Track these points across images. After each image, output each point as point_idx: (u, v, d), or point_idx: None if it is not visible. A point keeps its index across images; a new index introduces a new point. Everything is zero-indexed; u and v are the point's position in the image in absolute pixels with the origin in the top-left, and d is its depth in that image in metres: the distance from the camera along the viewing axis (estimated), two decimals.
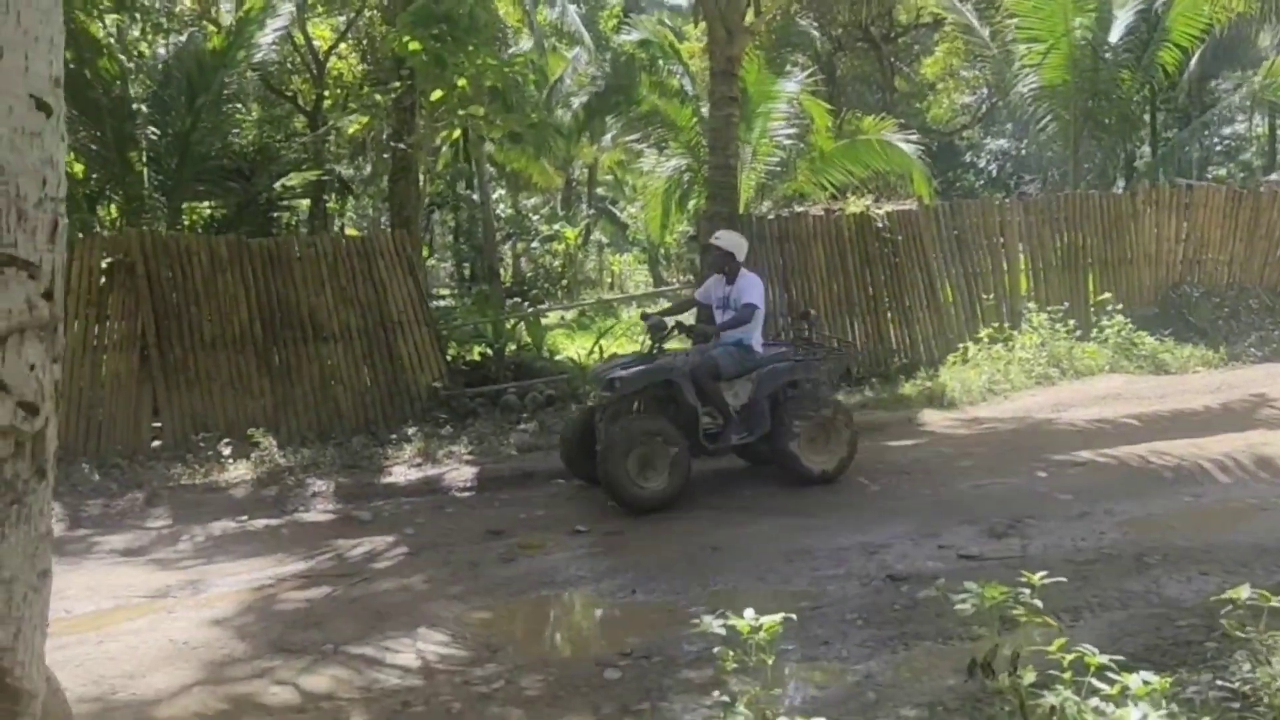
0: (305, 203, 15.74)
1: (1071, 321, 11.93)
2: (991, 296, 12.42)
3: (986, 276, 12.56)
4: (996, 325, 11.84)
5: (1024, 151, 24.73)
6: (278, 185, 12.72)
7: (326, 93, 15.50)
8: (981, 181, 27.10)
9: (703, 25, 18.59)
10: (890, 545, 6.17)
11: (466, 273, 24.50)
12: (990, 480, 7.65)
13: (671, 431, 7.07)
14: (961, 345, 11.66)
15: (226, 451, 8.86)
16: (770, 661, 3.37)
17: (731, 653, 3.43)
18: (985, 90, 25.38)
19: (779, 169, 14.79)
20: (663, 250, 25.85)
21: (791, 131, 14.72)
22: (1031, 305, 12.21)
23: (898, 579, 5.58)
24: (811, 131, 14.68)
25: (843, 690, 4.29)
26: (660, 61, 15.63)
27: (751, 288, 7.50)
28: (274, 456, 8.73)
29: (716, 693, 3.54)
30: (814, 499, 7.42)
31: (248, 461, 8.69)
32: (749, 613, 3.46)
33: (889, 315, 12.07)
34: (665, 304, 12.18)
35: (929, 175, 15.97)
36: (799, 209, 13.24)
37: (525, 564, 6.27)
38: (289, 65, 15.78)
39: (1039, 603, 3.57)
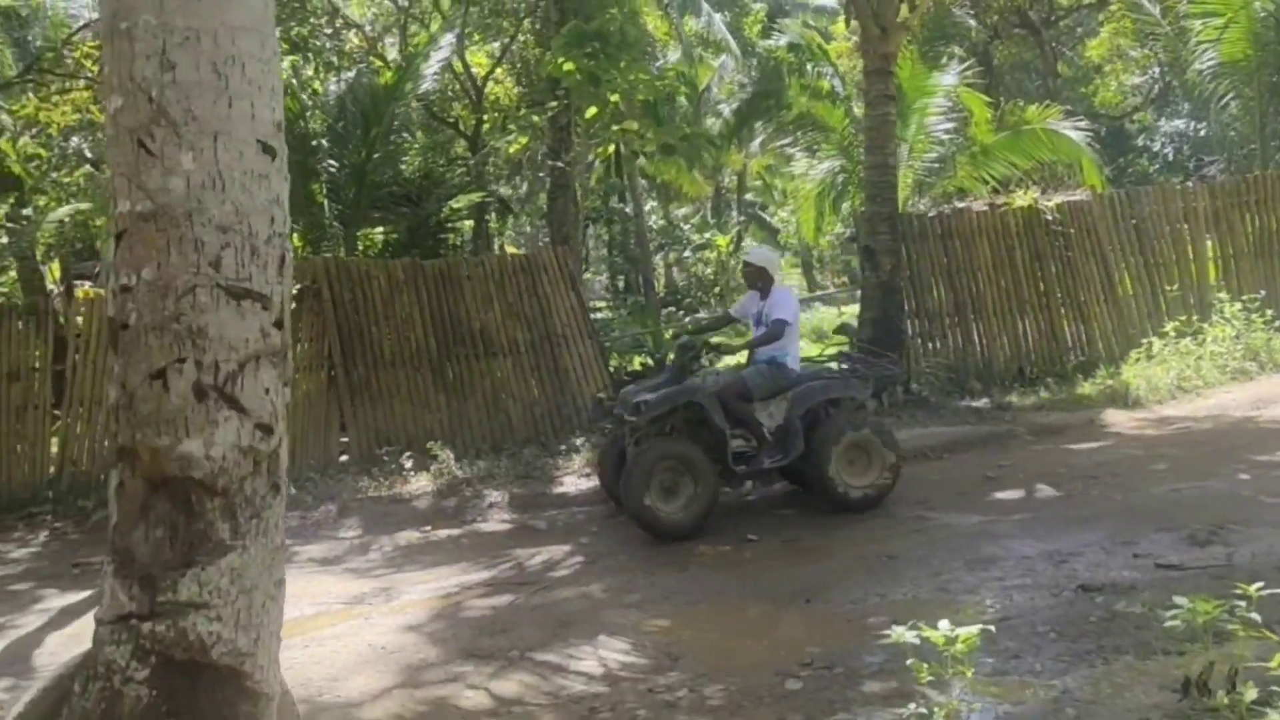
0: (468, 223, 16.35)
1: (1269, 311, 11.05)
2: (1176, 287, 11.64)
3: (1169, 267, 11.78)
4: (1183, 318, 11.09)
5: (1204, 132, 23.07)
6: (445, 208, 13.28)
7: (485, 116, 16.07)
8: (1157, 166, 25.43)
9: (853, 24, 18.29)
10: (1080, 554, 5.88)
11: (621, 285, 24.85)
12: (1187, 484, 7.17)
13: (696, 455, 6.80)
14: (1145, 341, 10.98)
15: (408, 464, 9.30)
16: (969, 674, 3.27)
17: (926, 665, 3.35)
18: (1157, 70, 23.86)
19: (937, 165, 14.35)
20: (815, 254, 25.51)
21: (949, 126, 14.26)
22: (1222, 295, 11.37)
23: (1091, 589, 5.30)
24: (971, 124, 14.17)
25: (1039, 706, 4.11)
26: (809, 64, 15.44)
27: (783, 303, 7.15)
28: (451, 468, 9.08)
29: (912, 705, 3.45)
30: (994, 506, 7.16)
31: (428, 473, 9.09)
32: (944, 624, 3.36)
33: (1062, 311, 11.51)
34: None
35: (1099, 163, 15.13)
36: (960, 205, 12.80)
37: (699, 572, 6.31)
38: (449, 93, 16.44)
39: (1257, 616, 3.33)
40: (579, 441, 9.80)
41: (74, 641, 5.67)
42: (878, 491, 7.07)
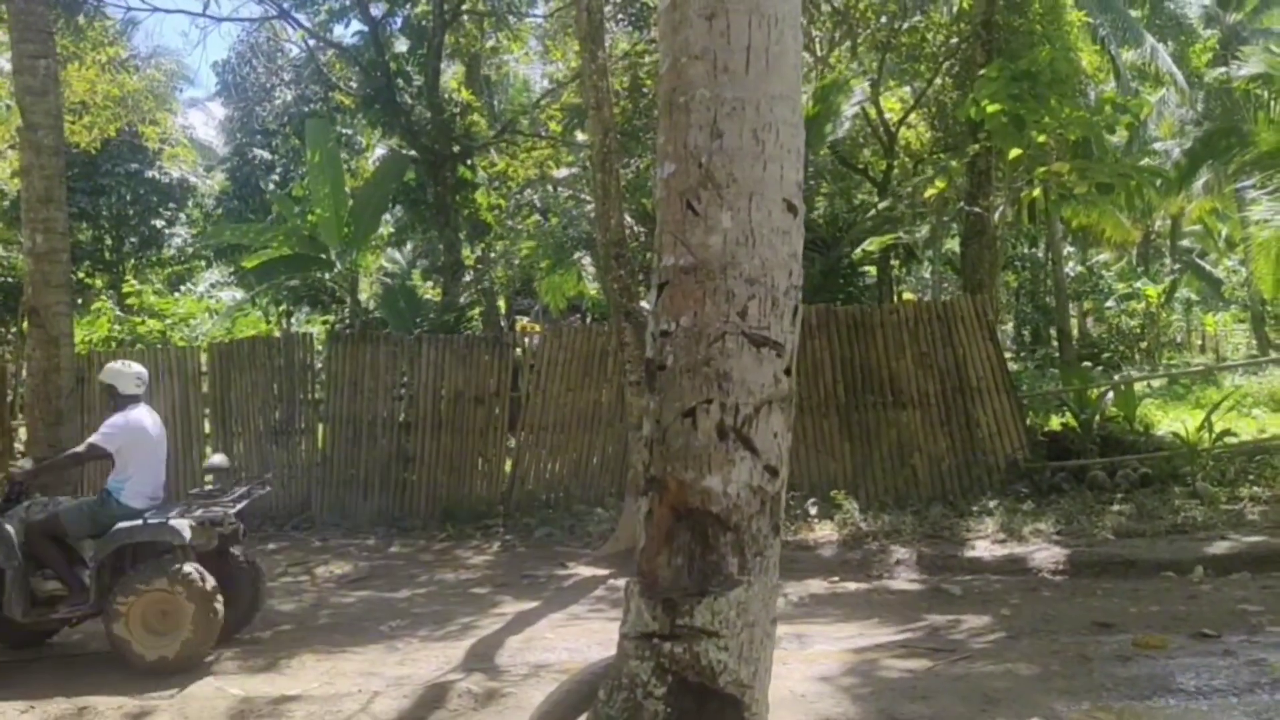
0: (872, 269, 16.30)
1: None
2: None
3: None
4: None
5: None
6: (857, 252, 13.32)
7: (896, 162, 15.96)
8: None
9: None
10: None
11: (1027, 336, 23.35)
12: None
13: None
14: None
15: (812, 511, 9.36)
16: None
17: None
18: None
19: None
20: (1268, 309, 22.19)
21: None
22: None
23: None
24: None
25: None
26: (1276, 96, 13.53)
27: (109, 426, 6.12)
28: (855, 519, 9.01)
29: None
30: None
31: (831, 522, 9.08)
32: None
33: None
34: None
35: None
36: None
37: (1144, 665, 5.64)
38: (860, 139, 16.57)
39: None
40: (992, 504, 9.29)
41: (528, 645, 6.34)
42: (178, 653, 5.80)
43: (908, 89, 17.48)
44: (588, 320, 18.95)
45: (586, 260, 16.12)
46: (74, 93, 15.08)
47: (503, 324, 17.76)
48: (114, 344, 14.88)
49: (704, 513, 2.39)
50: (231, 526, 6.37)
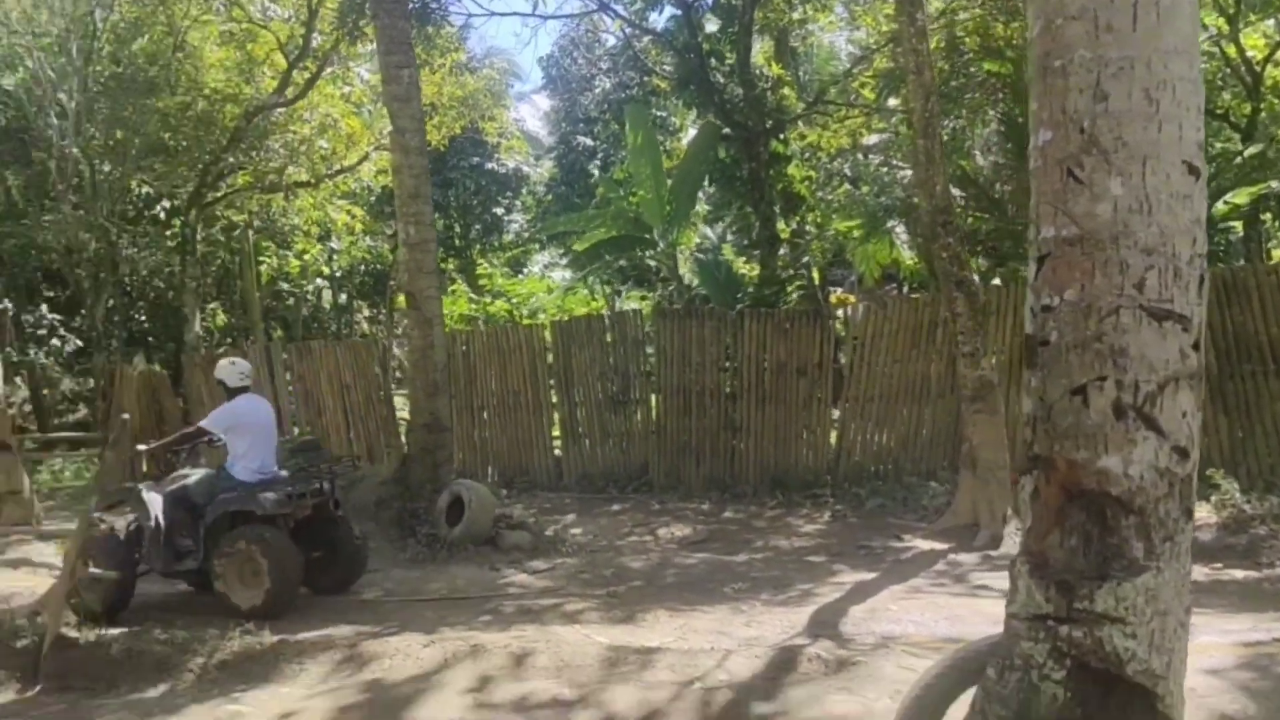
0: (1238, 224, 14.47)
1: None
2: None
3: None
4: None
5: None
6: (1221, 205, 11.90)
7: (1262, 104, 14.06)
8: None
9: None
10: None
11: None
12: None
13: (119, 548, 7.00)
14: None
15: None
16: None
17: None
18: None
19: None
20: None
21: None
22: None
23: None
24: None
25: None
26: None
27: (215, 412, 7.41)
28: (1236, 501, 8.12)
29: None
30: None
31: (1208, 504, 8.24)
32: None
33: None
34: None
35: None
36: None
37: None
38: (1217, 82, 14.72)
39: None
40: None
41: (871, 615, 6.32)
42: (264, 602, 6.71)
43: (1271, 22, 15.26)
44: (904, 289, 18.40)
45: (900, 229, 15.64)
46: (424, 95, 16.78)
47: (819, 296, 17.69)
48: (467, 321, 16.56)
49: (1101, 494, 2.29)
50: (320, 498, 7.21)
